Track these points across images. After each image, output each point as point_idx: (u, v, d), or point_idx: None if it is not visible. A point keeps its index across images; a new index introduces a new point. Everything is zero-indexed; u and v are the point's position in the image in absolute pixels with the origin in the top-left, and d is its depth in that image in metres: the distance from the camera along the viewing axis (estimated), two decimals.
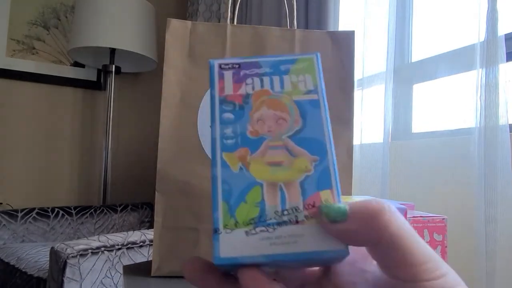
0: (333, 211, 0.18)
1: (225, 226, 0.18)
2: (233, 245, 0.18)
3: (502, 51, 0.81)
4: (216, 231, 0.18)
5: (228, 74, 0.21)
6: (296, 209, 0.18)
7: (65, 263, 0.92)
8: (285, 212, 0.18)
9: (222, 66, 0.21)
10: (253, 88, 0.21)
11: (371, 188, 1.09)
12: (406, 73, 1.21)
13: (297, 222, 0.18)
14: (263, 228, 0.18)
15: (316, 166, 0.19)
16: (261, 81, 0.21)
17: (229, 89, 0.21)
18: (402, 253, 0.17)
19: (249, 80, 0.21)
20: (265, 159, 0.19)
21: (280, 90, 0.21)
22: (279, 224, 0.18)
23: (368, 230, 0.17)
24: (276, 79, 0.21)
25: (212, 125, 0.20)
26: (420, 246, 0.18)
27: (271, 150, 0.20)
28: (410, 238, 0.17)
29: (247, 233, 0.18)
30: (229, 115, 0.20)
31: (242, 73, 0.21)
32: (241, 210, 0.18)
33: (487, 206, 0.79)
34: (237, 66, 0.22)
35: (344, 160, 0.59)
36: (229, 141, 0.20)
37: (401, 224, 0.18)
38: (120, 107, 2.10)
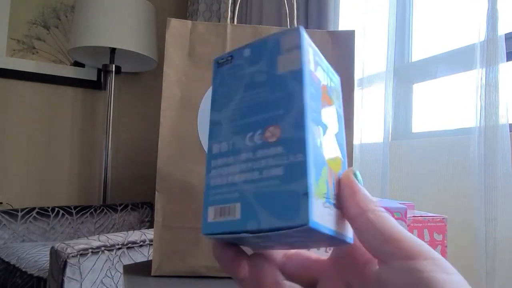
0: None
1: (315, 194, 0.18)
2: (318, 212, 0.18)
3: (502, 50, 0.81)
4: (306, 194, 0.17)
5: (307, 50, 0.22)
6: (335, 196, 0.21)
7: (65, 262, 0.92)
8: (334, 197, 0.20)
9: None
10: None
11: (371, 187, 1.09)
12: (406, 72, 1.21)
13: (335, 207, 0.20)
14: (329, 205, 0.19)
15: (342, 169, 0.22)
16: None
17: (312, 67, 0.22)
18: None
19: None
20: (328, 145, 0.21)
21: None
22: (334, 205, 0.20)
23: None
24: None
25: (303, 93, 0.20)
26: (406, 233, 0.20)
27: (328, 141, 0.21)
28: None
29: (323, 204, 0.19)
30: (312, 90, 0.20)
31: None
32: (320, 182, 0.19)
33: (487, 206, 0.79)
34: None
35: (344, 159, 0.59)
36: (314, 115, 0.20)
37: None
38: (120, 106, 2.10)
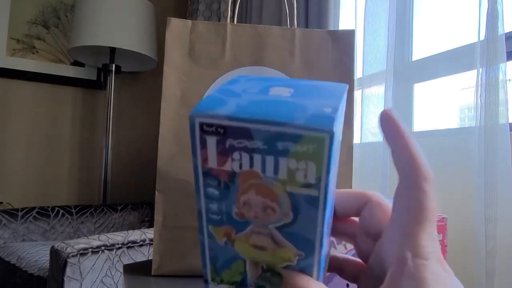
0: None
1: (212, 280, 0.20)
2: None
3: (503, 50, 0.80)
4: (206, 281, 0.21)
5: (212, 142, 0.17)
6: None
7: (66, 262, 0.92)
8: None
9: (205, 128, 0.17)
10: (240, 167, 0.17)
11: (371, 187, 1.09)
12: (406, 72, 1.21)
13: None
14: None
15: (300, 261, 0.19)
16: (251, 159, 0.17)
17: (213, 162, 0.18)
18: None
19: (236, 155, 0.17)
20: (250, 241, 0.19)
21: (272, 176, 0.17)
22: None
23: None
24: (269, 160, 0.17)
25: (197, 196, 0.19)
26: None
27: (256, 235, 0.19)
28: None
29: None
30: (214, 191, 0.18)
31: (228, 143, 0.17)
32: (226, 273, 0.20)
33: (487, 206, 0.79)
34: (222, 131, 0.17)
35: (344, 159, 0.59)
36: (215, 216, 0.19)
37: None
38: (120, 106, 2.10)
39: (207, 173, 0.18)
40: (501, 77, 0.80)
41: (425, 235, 0.18)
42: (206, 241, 0.20)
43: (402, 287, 0.17)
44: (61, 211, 1.65)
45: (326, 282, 0.29)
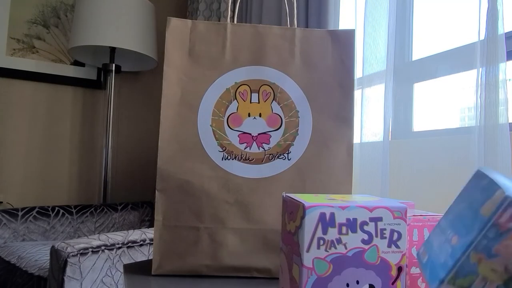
0: None
1: (448, 282, 0.25)
2: None
3: (503, 50, 0.81)
4: (442, 282, 0.25)
5: None
6: None
7: (66, 261, 0.92)
8: None
9: None
10: None
11: (371, 187, 1.09)
12: (406, 72, 1.21)
13: None
14: None
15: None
16: None
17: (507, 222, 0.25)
18: None
19: None
20: (491, 266, 0.25)
21: None
22: None
23: None
24: None
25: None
26: None
27: (496, 263, 0.25)
28: None
29: None
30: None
31: None
32: (460, 280, 0.25)
33: None
34: None
35: (344, 159, 0.60)
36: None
37: None
38: (120, 106, 2.11)
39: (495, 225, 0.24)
40: (501, 76, 0.80)
41: None
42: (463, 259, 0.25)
43: None
44: (61, 210, 1.65)
45: (326, 282, 0.30)
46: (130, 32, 1.75)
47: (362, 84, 1.17)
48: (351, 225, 0.31)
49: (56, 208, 1.65)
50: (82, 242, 0.96)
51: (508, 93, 0.81)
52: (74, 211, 1.68)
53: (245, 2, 1.77)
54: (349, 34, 0.61)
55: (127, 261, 1.01)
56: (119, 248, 1.00)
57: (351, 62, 0.61)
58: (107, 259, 0.98)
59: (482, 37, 0.84)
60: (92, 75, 2.05)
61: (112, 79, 1.87)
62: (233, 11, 1.64)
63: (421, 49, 1.21)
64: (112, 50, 1.84)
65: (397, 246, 0.31)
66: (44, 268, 1.13)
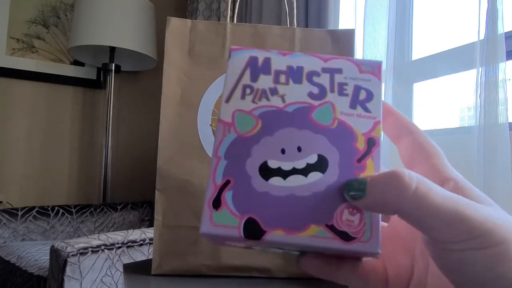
0: (352, 188, 0.19)
1: None
2: None
3: (502, 49, 0.81)
4: None
5: None
6: None
7: (65, 261, 0.92)
8: None
9: None
10: None
11: None
12: (406, 71, 1.21)
13: None
14: None
15: None
16: None
17: None
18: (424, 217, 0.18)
19: None
20: None
21: None
22: None
23: (386, 203, 0.18)
24: None
25: None
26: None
27: None
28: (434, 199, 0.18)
29: None
30: None
31: None
32: None
33: None
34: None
35: None
36: None
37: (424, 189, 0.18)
38: (120, 105, 2.10)
39: None
40: (501, 76, 0.80)
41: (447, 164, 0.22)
42: None
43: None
44: (61, 210, 1.65)
45: (250, 143, 0.22)
46: (129, 31, 1.75)
47: None
48: (294, 74, 0.22)
49: (56, 208, 1.65)
50: (82, 242, 0.96)
51: (508, 93, 0.81)
52: (73, 210, 1.68)
53: (245, 2, 1.77)
54: (349, 34, 0.61)
55: (126, 260, 1.01)
56: (119, 247, 1.00)
57: None
58: (106, 258, 0.98)
59: (481, 37, 0.84)
60: (92, 75, 2.05)
61: (112, 78, 1.87)
62: (233, 11, 1.64)
63: (421, 48, 1.21)
64: (112, 49, 1.84)
65: (366, 109, 0.22)
66: (44, 268, 1.13)
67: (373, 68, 0.23)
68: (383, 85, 1.10)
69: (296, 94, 0.22)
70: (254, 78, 0.23)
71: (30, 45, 1.92)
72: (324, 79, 0.22)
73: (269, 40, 0.60)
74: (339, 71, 0.22)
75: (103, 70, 2.00)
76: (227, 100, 0.23)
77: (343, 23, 1.39)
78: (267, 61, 0.23)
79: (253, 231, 0.20)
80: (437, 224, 0.17)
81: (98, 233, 1.36)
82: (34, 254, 1.25)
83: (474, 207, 0.17)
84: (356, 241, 0.19)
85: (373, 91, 0.22)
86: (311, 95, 0.22)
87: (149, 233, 1.09)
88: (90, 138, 2.05)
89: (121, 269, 1.00)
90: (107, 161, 1.85)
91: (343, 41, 0.61)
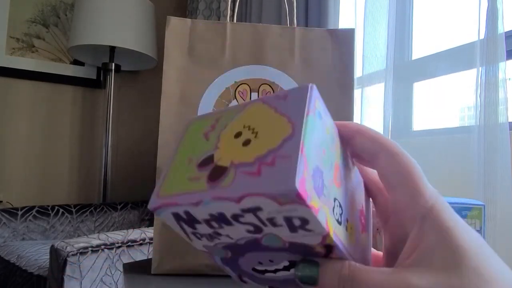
0: (304, 277, 0.21)
1: None
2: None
3: (502, 49, 0.81)
4: None
5: None
6: None
7: (65, 261, 0.92)
8: None
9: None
10: None
11: None
12: (406, 71, 1.21)
13: None
14: None
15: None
16: None
17: None
18: None
19: None
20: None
21: None
22: None
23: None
24: None
25: None
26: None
27: None
28: None
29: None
30: None
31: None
32: None
33: (487, 204, 0.79)
34: None
35: None
36: None
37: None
38: (119, 105, 2.10)
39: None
40: (501, 76, 0.80)
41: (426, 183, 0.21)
42: None
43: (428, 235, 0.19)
44: (61, 210, 1.65)
45: (234, 260, 0.24)
46: (129, 31, 1.75)
47: (362, 83, 1.17)
48: (221, 219, 0.21)
49: (56, 207, 1.65)
50: (81, 242, 0.96)
51: (508, 92, 0.81)
52: (73, 210, 1.68)
53: (245, 1, 1.77)
54: (349, 34, 0.61)
55: (126, 260, 1.01)
56: (119, 247, 1.00)
57: (350, 61, 0.61)
58: (106, 258, 0.98)
59: (482, 36, 0.84)
60: (92, 74, 2.05)
61: (112, 78, 1.87)
62: (232, 10, 1.64)
63: (421, 48, 1.21)
64: (112, 49, 1.84)
65: (308, 230, 0.20)
66: (44, 267, 1.13)
67: (291, 198, 0.19)
68: (382, 85, 1.11)
69: (236, 232, 0.21)
70: (194, 227, 0.22)
71: (30, 45, 1.92)
72: (250, 218, 0.20)
73: (269, 40, 0.60)
74: (259, 209, 0.20)
75: (103, 70, 2.00)
76: (191, 239, 0.24)
77: (343, 23, 1.39)
78: (189, 213, 0.22)
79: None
80: None
81: (98, 232, 1.36)
82: (34, 254, 1.25)
83: None
84: None
85: (305, 216, 0.19)
86: (249, 231, 0.21)
87: (149, 232, 1.09)
88: (90, 138, 2.05)
89: (121, 269, 1.00)
90: (107, 161, 1.85)
91: (343, 41, 0.61)
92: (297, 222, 0.20)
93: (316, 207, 0.19)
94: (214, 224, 0.21)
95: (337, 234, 0.21)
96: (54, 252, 0.96)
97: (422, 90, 1.18)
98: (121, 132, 2.11)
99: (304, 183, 0.19)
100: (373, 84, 1.15)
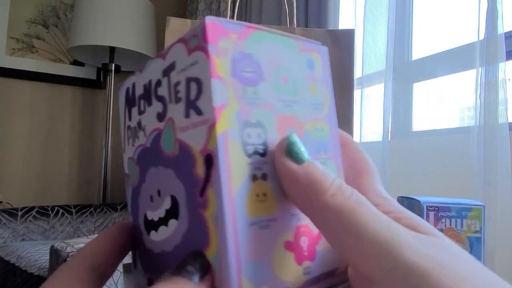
0: (297, 149, 0.16)
1: None
2: None
3: (502, 49, 0.81)
4: None
5: (431, 214, 0.42)
6: None
7: (65, 261, 0.92)
8: None
9: (429, 207, 0.31)
10: (445, 226, 0.39)
11: None
12: (406, 71, 1.21)
13: None
14: None
15: None
16: (450, 221, 0.40)
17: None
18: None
19: (443, 220, 0.41)
20: None
21: (460, 229, 0.41)
22: None
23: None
24: (459, 221, 0.41)
25: None
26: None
27: None
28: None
29: None
30: None
31: (440, 214, 0.42)
32: None
33: (487, 205, 0.79)
34: (437, 209, 0.39)
35: None
36: None
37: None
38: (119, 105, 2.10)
39: None
40: (500, 76, 0.80)
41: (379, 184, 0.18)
42: None
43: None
44: (61, 210, 1.65)
45: (137, 194, 0.20)
46: (129, 31, 1.75)
47: (361, 83, 1.17)
48: (147, 93, 0.18)
49: (56, 208, 1.65)
50: (81, 242, 0.96)
51: (508, 93, 0.81)
52: (73, 210, 1.68)
53: (245, 2, 1.77)
54: (349, 34, 0.61)
55: (126, 260, 1.01)
56: None
57: (350, 62, 0.61)
58: None
59: (481, 37, 0.84)
60: (92, 75, 2.05)
61: (112, 78, 1.87)
62: (232, 11, 1.63)
63: (420, 48, 1.21)
64: (112, 49, 1.84)
65: (199, 111, 0.15)
66: (44, 268, 1.13)
67: (198, 37, 0.15)
68: (382, 85, 1.11)
69: (150, 120, 0.18)
70: (129, 116, 0.19)
71: (30, 45, 1.92)
72: (164, 87, 0.17)
73: None
74: (172, 66, 0.16)
75: (103, 70, 2.00)
76: (124, 150, 0.20)
77: (343, 23, 1.39)
78: (133, 88, 0.19)
79: None
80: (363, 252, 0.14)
81: (98, 233, 1.36)
82: (34, 254, 1.25)
83: (412, 246, 0.14)
84: None
85: (200, 77, 0.15)
86: (158, 116, 0.17)
87: None
88: (90, 138, 2.05)
89: (121, 269, 1.00)
90: (107, 161, 1.85)
91: (343, 41, 0.61)
92: (193, 91, 0.15)
93: (219, 73, 0.15)
94: (142, 105, 0.18)
95: (229, 147, 0.15)
96: (54, 253, 0.95)
97: (422, 90, 1.18)
98: None
99: (219, 35, 0.15)
100: (373, 85, 1.15)
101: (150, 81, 0.18)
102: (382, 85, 1.10)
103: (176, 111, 0.16)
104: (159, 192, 0.18)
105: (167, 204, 0.17)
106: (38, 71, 1.92)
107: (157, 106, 0.17)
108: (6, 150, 1.86)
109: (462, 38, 1.04)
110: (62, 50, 1.98)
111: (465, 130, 0.94)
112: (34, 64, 1.91)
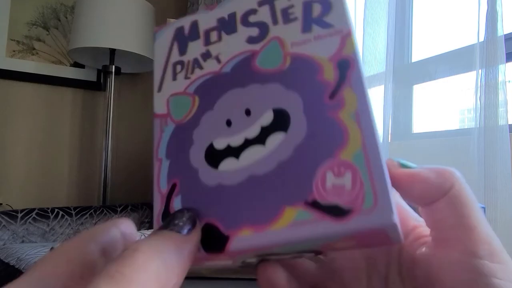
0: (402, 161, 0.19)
1: None
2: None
3: (502, 51, 0.81)
4: None
5: None
6: None
7: None
8: None
9: None
10: None
11: None
12: (406, 73, 1.21)
13: None
14: None
15: None
16: None
17: None
18: (461, 219, 0.16)
19: None
20: None
21: None
22: None
23: (434, 183, 0.17)
24: None
25: None
26: (484, 224, 0.16)
27: None
28: (474, 211, 0.17)
29: None
30: None
31: None
32: None
33: (487, 207, 0.79)
34: None
35: None
36: None
37: (468, 195, 0.17)
38: (120, 107, 2.10)
39: None
40: (500, 78, 0.80)
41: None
42: None
43: None
44: (61, 212, 1.65)
45: (190, 128, 0.18)
46: (130, 33, 1.75)
47: None
48: (226, 24, 0.18)
49: (56, 210, 1.64)
50: None
51: (508, 95, 0.81)
52: (73, 212, 1.67)
53: None
54: None
55: None
56: None
57: None
58: None
59: (481, 39, 0.85)
60: (92, 77, 2.05)
61: (112, 80, 1.87)
62: None
63: (420, 50, 1.21)
64: (112, 51, 1.84)
65: (326, 25, 0.16)
66: None
67: None
68: (382, 87, 1.11)
69: (232, 47, 0.18)
70: (183, 51, 0.19)
71: (30, 47, 1.92)
72: (263, 14, 0.17)
73: None
74: None
75: (103, 72, 2.00)
76: (159, 89, 0.19)
77: None
78: (194, 25, 0.19)
79: (213, 241, 0.15)
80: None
81: None
82: (34, 256, 1.25)
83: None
84: (354, 214, 0.13)
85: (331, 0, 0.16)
86: (250, 39, 0.18)
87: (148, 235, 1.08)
88: (90, 140, 2.05)
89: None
90: (107, 163, 1.85)
91: None
92: (316, 10, 0.17)
93: None
94: (214, 36, 0.19)
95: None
96: None
97: (422, 92, 1.18)
98: (121, 134, 2.11)
99: None
100: (373, 87, 1.15)
101: (233, 13, 0.18)
102: (382, 87, 1.11)
103: (286, 30, 0.17)
104: (247, 111, 0.17)
105: (265, 120, 0.16)
106: (38, 73, 1.92)
107: (247, 32, 0.18)
108: (6, 152, 1.86)
109: (462, 40, 1.04)
110: (62, 52, 1.99)
111: (465, 132, 0.94)
112: (34, 66, 1.92)
